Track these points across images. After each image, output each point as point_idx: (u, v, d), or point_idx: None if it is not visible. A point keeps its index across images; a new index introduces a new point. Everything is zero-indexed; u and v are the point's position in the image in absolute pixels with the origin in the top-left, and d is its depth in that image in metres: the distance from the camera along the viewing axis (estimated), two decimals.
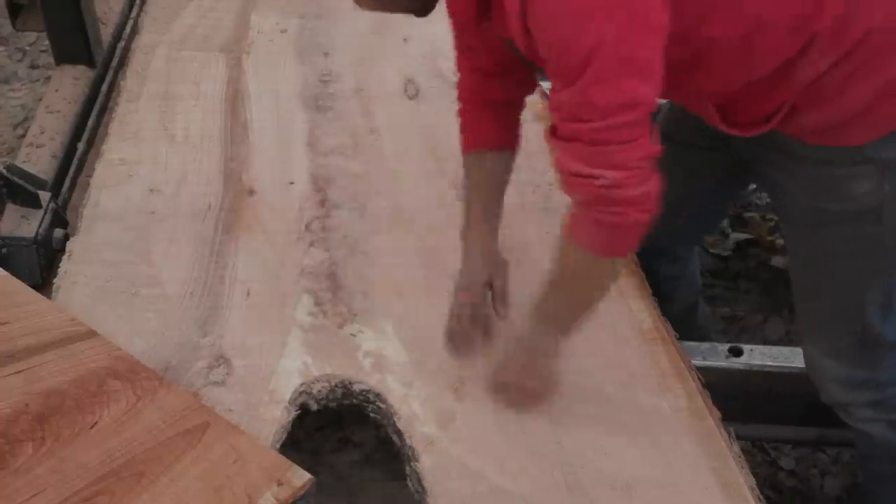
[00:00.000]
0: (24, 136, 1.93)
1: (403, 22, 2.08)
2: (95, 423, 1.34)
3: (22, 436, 1.30)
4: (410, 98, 1.94)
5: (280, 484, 1.29)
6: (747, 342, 1.93)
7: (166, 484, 1.27)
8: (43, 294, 1.59)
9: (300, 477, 1.30)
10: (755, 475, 1.44)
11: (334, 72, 1.99)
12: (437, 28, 2.06)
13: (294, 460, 1.34)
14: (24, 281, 1.60)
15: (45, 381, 1.39)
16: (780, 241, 2.55)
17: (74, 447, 1.30)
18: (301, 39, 2.07)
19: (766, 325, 2.41)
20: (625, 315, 1.61)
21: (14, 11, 2.12)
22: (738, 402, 1.63)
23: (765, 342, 2.22)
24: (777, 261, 2.53)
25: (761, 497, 1.38)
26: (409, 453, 1.42)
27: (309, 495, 1.31)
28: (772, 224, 2.65)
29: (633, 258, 1.70)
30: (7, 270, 1.62)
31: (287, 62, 2.02)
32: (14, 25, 2.16)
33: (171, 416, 1.37)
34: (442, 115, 1.88)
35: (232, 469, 1.30)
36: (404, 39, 2.05)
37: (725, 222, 2.60)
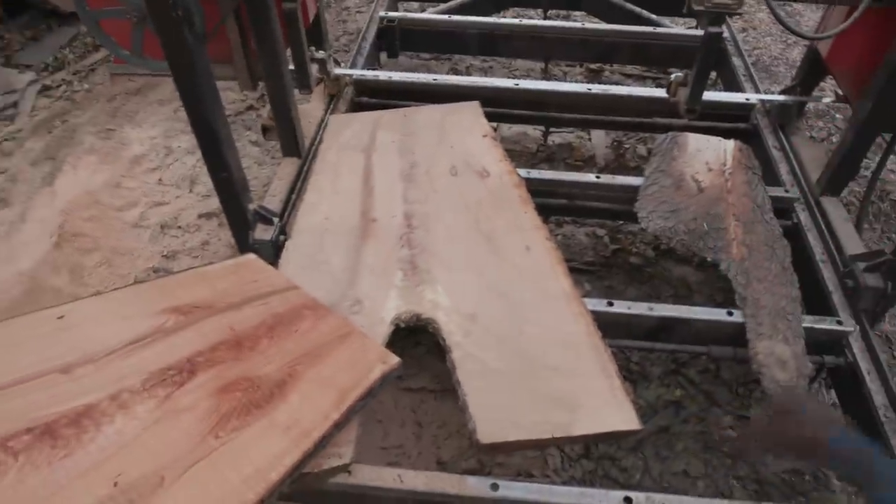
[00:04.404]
0: (266, 190, 1.95)
1: (451, 138, 2.08)
2: (297, 329, 1.35)
3: (262, 334, 1.32)
4: (453, 175, 1.93)
5: (384, 363, 1.29)
6: None
7: (330, 361, 1.28)
8: (274, 267, 1.61)
9: (394, 359, 1.31)
10: None
11: (416, 162, 1.99)
12: (468, 142, 2.06)
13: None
14: (265, 261, 1.62)
15: (273, 309, 1.40)
16: None
17: (286, 341, 1.32)
18: (401, 146, 2.06)
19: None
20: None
21: (264, 131, 2.14)
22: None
23: None
24: None
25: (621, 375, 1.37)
26: (447, 349, 1.42)
27: (398, 370, 1.31)
28: None
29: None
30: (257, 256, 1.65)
31: (393, 157, 2.01)
32: (264, 137, 2.18)
33: (333, 329, 1.38)
34: (468, 184, 1.88)
35: (361, 354, 1.31)
36: (451, 147, 2.04)
37: None
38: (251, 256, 1.61)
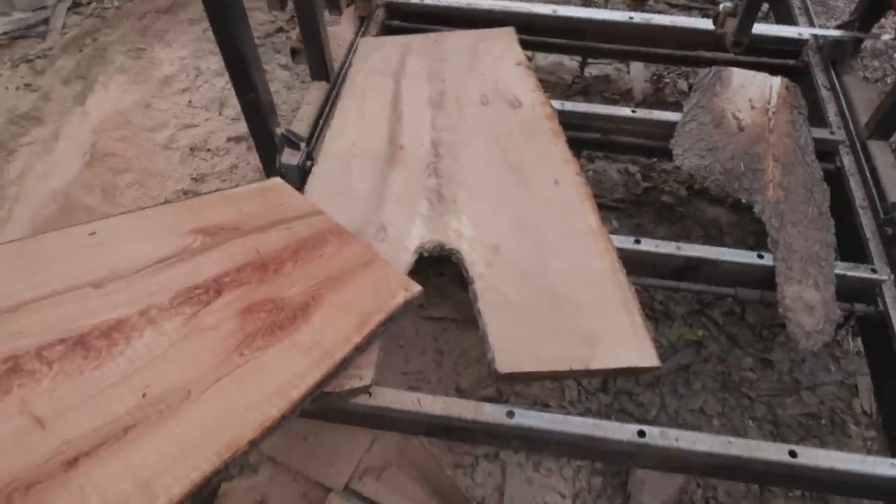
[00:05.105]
0: (295, 114, 1.93)
1: (483, 65, 2.01)
2: (321, 254, 1.36)
3: (286, 258, 1.33)
4: (483, 104, 1.88)
5: (406, 290, 1.30)
6: None
7: (353, 286, 1.29)
8: (300, 192, 1.61)
9: (416, 287, 1.31)
10: None
11: (446, 89, 1.94)
12: (500, 70, 1.99)
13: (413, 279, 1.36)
14: (291, 186, 1.61)
15: (298, 233, 1.41)
16: None
17: (310, 265, 1.32)
18: (431, 72, 2.00)
19: None
20: None
21: (293, 53, 2.10)
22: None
23: None
24: None
25: (643, 312, 1.36)
26: (470, 280, 1.42)
27: (420, 298, 1.32)
28: None
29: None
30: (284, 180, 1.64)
31: (423, 83, 1.96)
32: (293, 61, 2.14)
33: (357, 255, 1.38)
34: (499, 114, 1.83)
35: (383, 281, 1.31)
36: (482, 74, 1.98)
37: None
38: (277, 180, 1.61)
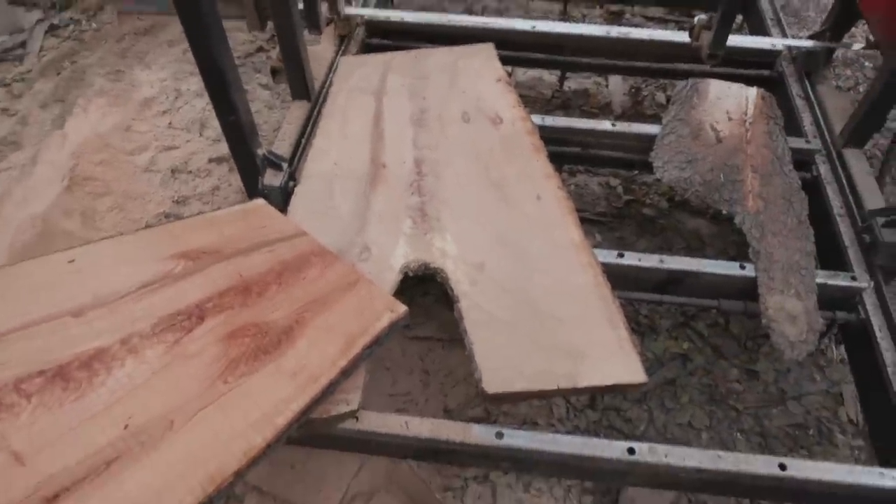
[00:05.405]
0: (277, 134, 1.92)
1: (463, 82, 2.02)
2: (304, 276, 1.35)
3: (270, 280, 1.31)
4: (465, 122, 1.88)
5: (392, 311, 1.29)
6: None
7: (338, 308, 1.28)
8: (283, 213, 1.60)
9: (402, 308, 1.30)
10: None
11: (427, 107, 1.94)
12: (481, 87, 2.00)
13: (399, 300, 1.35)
14: (275, 207, 1.60)
15: (281, 256, 1.40)
16: None
17: (294, 288, 1.31)
18: (412, 90, 2.01)
19: None
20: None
21: (273, 73, 2.09)
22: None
23: None
24: None
25: (628, 327, 1.36)
26: (455, 298, 1.41)
27: (406, 318, 1.31)
28: None
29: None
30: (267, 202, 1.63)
31: (404, 101, 1.96)
32: (273, 80, 2.13)
33: (340, 276, 1.37)
34: (480, 131, 1.83)
35: (368, 302, 1.30)
36: (463, 91, 1.98)
37: None
38: (259, 202, 1.60)
